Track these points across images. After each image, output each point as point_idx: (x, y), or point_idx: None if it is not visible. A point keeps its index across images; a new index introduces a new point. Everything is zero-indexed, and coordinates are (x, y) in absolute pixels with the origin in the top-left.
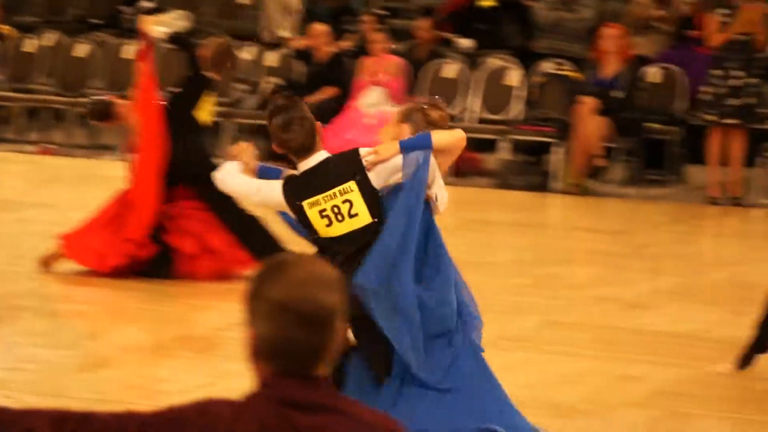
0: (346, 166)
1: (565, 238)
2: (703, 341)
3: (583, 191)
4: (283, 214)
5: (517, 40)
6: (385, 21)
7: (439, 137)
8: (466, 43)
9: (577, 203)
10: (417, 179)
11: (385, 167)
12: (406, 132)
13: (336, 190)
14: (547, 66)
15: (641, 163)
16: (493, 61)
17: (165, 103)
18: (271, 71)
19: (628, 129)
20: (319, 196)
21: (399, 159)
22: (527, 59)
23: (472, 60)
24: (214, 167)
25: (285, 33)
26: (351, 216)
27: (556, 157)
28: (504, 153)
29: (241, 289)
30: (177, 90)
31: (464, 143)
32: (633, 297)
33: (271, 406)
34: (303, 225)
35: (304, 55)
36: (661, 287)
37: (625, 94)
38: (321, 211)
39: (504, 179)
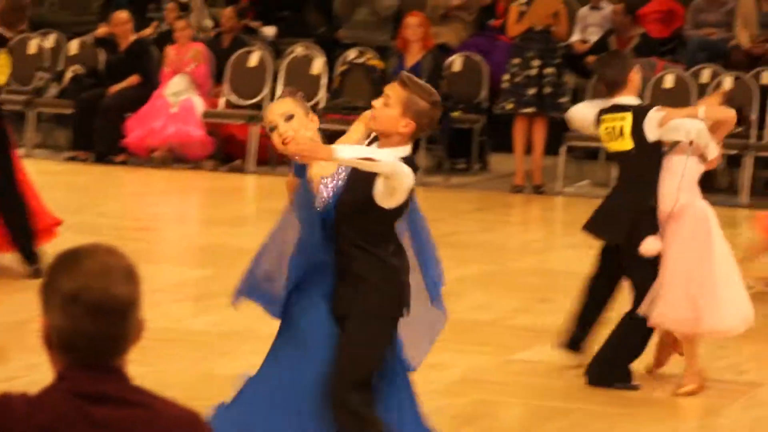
0: None
1: None
2: (508, 328)
3: None
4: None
5: (321, 28)
6: (188, 8)
7: None
8: (269, 31)
9: None
10: None
11: None
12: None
13: None
14: (350, 54)
15: (445, 152)
16: (297, 50)
17: None
18: (73, 59)
19: None
20: None
21: None
22: (330, 47)
23: (275, 48)
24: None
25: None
26: None
27: None
28: None
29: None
30: None
31: None
32: None
33: (67, 399)
34: (401, 210)
35: (106, 43)
36: (466, 275)
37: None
38: None
39: None
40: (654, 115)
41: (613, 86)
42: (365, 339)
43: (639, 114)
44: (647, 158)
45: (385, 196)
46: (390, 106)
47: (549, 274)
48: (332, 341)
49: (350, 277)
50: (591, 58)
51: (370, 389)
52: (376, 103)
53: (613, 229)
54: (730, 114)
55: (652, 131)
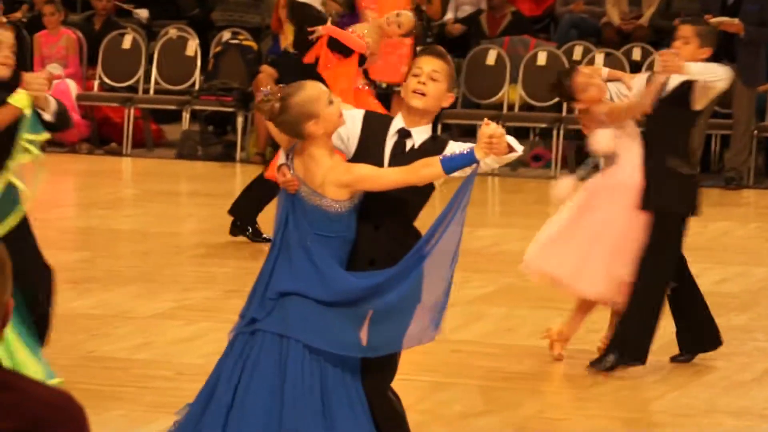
0: None
1: None
2: None
3: (266, 161)
4: None
5: (194, 10)
6: None
7: None
8: (142, 13)
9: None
10: None
11: None
12: None
13: None
14: (225, 35)
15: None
16: (171, 32)
17: None
18: None
19: None
20: None
21: None
22: (204, 29)
23: (149, 31)
24: None
25: None
26: None
27: (239, 127)
28: (186, 124)
29: None
30: None
31: None
32: None
33: None
34: None
35: None
36: None
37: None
38: None
39: (187, 150)
40: None
41: None
42: None
43: None
44: None
45: None
46: (439, 81)
47: None
48: None
49: None
50: (458, 27)
51: None
52: (421, 79)
53: None
54: None
55: None
